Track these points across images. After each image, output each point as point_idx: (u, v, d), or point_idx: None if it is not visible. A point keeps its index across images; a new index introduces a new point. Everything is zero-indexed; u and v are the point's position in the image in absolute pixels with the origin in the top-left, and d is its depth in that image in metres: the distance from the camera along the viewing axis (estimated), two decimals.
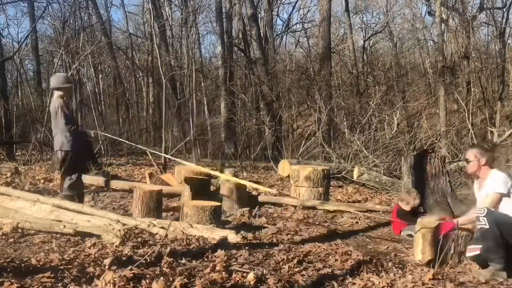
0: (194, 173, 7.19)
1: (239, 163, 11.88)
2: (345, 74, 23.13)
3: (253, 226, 5.29)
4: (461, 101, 15.17)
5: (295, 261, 3.68)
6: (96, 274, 3.14)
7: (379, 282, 3.27)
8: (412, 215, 5.06)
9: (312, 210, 6.31)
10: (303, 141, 12.95)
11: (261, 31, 17.68)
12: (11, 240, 4.25)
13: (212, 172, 6.09)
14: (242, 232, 4.57)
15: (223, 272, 3.27)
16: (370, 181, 8.77)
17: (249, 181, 8.98)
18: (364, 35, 25.72)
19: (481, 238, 3.62)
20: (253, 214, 5.93)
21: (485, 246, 3.59)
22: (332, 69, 17.88)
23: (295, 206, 6.41)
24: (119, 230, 4.33)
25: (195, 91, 19.24)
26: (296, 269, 3.49)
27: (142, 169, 10.48)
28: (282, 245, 4.24)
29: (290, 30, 24.89)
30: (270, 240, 4.50)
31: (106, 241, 4.12)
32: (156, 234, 4.44)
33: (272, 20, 20.43)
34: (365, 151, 10.22)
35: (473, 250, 3.67)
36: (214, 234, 4.35)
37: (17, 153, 13.04)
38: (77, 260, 3.55)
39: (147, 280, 3.07)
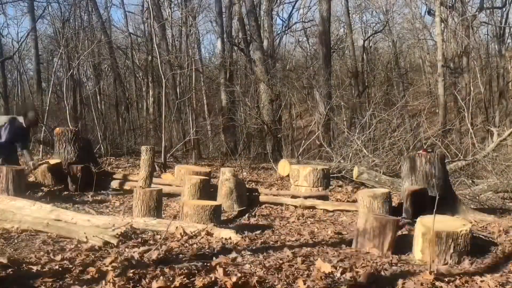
0: (193, 173, 7.21)
1: (238, 163, 11.87)
2: (345, 73, 23.12)
3: (253, 225, 5.29)
4: (460, 101, 15.17)
5: (295, 261, 3.69)
6: (96, 274, 3.14)
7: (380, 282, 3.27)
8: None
9: (311, 210, 6.31)
10: (303, 141, 12.95)
11: (261, 31, 17.67)
12: (12, 240, 4.25)
13: None
14: (242, 231, 4.58)
15: (223, 272, 3.27)
16: (370, 181, 8.76)
17: (249, 180, 9.00)
18: (364, 34, 25.71)
19: None
20: (253, 214, 5.93)
21: None
22: (332, 69, 17.87)
23: (295, 206, 6.41)
24: (114, 229, 4.34)
25: (195, 90, 19.22)
26: (297, 269, 3.49)
27: None
28: (282, 245, 4.25)
29: (290, 30, 24.86)
30: (270, 240, 4.50)
31: (104, 241, 4.12)
32: (157, 234, 4.45)
33: (272, 19, 20.42)
34: (364, 150, 10.22)
35: None
36: (215, 233, 4.35)
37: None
38: (77, 260, 3.55)
39: (147, 280, 3.07)
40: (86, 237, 4.31)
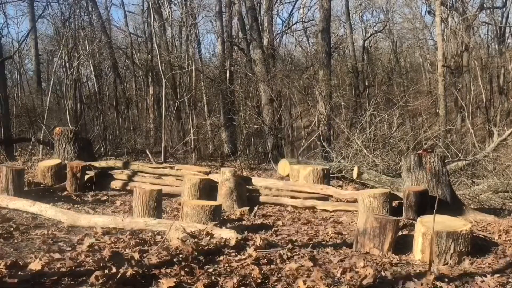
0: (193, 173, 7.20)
1: (238, 163, 11.87)
2: (345, 73, 23.11)
3: (253, 225, 5.28)
4: (461, 101, 15.19)
5: (295, 261, 3.68)
6: (95, 273, 3.13)
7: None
8: None
9: (311, 210, 6.30)
10: (303, 141, 12.94)
11: (261, 30, 17.67)
12: (12, 240, 4.24)
13: None
14: (242, 231, 4.57)
15: (224, 272, 3.27)
16: (370, 181, 8.76)
17: None
18: (364, 34, 25.71)
19: None
20: (253, 214, 5.92)
21: None
22: (332, 69, 17.87)
23: (295, 206, 6.40)
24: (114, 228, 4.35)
25: (195, 90, 19.22)
26: (297, 269, 3.49)
27: None
28: (282, 245, 4.24)
29: (290, 29, 24.86)
30: (270, 240, 4.49)
31: (104, 240, 4.12)
32: (157, 234, 4.44)
33: (272, 19, 20.42)
34: (364, 150, 10.21)
35: None
36: (215, 233, 4.34)
37: (16, 152, 13.02)
38: (77, 259, 3.54)
39: (147, 280, 3.07)
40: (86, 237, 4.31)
